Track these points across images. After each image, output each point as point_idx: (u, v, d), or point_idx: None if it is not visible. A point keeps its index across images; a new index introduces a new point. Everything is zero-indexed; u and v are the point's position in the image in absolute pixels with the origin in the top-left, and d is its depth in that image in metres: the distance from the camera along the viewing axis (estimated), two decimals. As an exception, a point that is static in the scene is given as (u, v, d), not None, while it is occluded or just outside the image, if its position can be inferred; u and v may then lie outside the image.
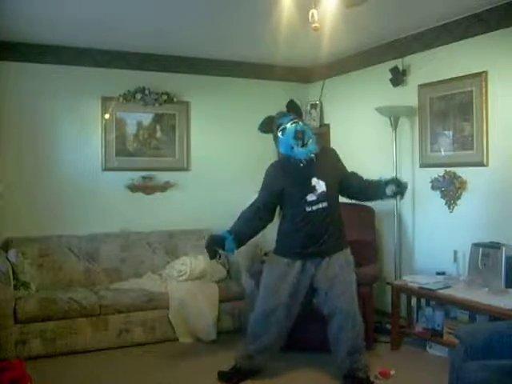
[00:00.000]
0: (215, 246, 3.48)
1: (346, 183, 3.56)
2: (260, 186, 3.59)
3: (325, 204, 3.39)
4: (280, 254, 3.53)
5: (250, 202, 3.56)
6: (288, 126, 3.38)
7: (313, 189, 3.38)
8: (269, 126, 3.52)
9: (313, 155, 3.37)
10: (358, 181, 3.59)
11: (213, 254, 3.50)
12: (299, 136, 3.31)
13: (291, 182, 3.43)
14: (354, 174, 3.62)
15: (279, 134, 3.41)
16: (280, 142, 3.42)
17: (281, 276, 3.45)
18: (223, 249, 3.46)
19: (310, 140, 3.36)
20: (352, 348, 3.40)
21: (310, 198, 3.38)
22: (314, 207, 3.38)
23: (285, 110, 3.64)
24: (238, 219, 3.52)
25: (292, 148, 3.34)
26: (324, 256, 3.44)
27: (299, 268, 3.44)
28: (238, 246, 3.49)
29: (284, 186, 3.44)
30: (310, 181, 3.38)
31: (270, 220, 3.53)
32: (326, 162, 3.49)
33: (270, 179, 3.53)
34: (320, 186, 3.38)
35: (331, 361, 3.55)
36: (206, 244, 3.51)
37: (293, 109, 3.59)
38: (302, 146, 3.32)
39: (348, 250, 3.56)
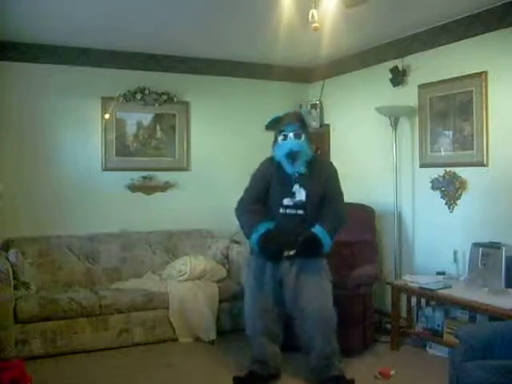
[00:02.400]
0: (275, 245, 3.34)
1: (325, 204, 3.48)
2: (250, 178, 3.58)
3: (300, 212, 3.39)
4: (254, 254, 3.53)
5: (239, 199, 3.55)
6: (290, 135, 3.39)
7: (292, 194, 3.39)
8: (274, 125, 3.53)
9: (302, 172, 3.39)
10: (325, 214, 3.45)
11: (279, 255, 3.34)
12: (291, 157, 3.36)
13: (276, 181, 3.45)
14: (330, 210, 3.45)
15: (279, 138, 3.45)
16: (277, 146, 3.47)
17: (257, 276, 3.47)
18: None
19: (301, 159, 3.38)
20: (324, 354, 3.38)
21: (287, 202, 3.39)
22: (288, 211, 3.39)
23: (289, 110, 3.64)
24: (248, 215, 3.43)
25: (282, 160, 3.40)
26: (294, 260, 3.39)
27: (270, 268, 3.43)
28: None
29: (271, 180, 3.46)
30: (292, 186, 3.40)
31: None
32: (317, 173, 3.45)
33: (262, 171, 3.54)
34: (300, 194, 3.39)
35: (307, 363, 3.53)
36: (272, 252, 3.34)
37: (300, 119, 3.53)
38: (292, 164, 3.37)
39: (324, 261, 3.49)
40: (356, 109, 5.23)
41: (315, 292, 3.37)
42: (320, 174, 3.47)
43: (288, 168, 3.40)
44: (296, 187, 3.39)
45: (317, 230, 3.34)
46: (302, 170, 3.40)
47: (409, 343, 4.21)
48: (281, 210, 3.40)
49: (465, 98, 4.10)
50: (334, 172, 3.56)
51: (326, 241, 3.35)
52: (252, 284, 3.52)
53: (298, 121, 3.47)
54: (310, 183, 3.41)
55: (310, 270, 3.40)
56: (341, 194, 3.55)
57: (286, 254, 3.32)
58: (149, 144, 5.23)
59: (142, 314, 4.28)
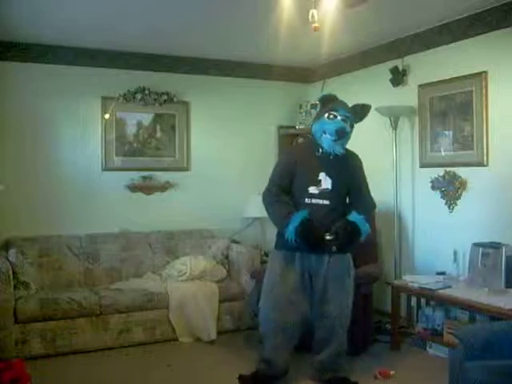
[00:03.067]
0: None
1: (350, 198, 3.46)
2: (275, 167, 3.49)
3: (326, 202, 3.30)
4: (279, 248, 3.42)
5: (265, 189, 3.43)
6: (339, 118, 3.29)
7: (318, 182, 3.30)
8: (327, 102, 3.40)
9: (334, 153, 3.31)
10: (352, 207, 3.40)
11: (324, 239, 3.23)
12: (340, 134, 3.25)
13: (302, 167, 3.36)
14: (360, 200, 3.44)
15: (325, 115, 3.32)
16: (319, 122, 3.34)
17: (282, 272, 3.36)
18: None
19: (343, 143, 3.32)
20: (335, 353, 3.38)
21: (312, 190, 3.30)
22: (314, 201, 3.29)
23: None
24: (279, 206, 3.32)
25: (323, 134, 3.29)
26: (323, 254, 3.32)
27: (299, 261, 3.34)
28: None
29: (297, 168, 3.36)
30: (318, 174, 3.31)
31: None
32: (343, 164, 3.37)
33: (287, 160, 3.46)
34: (326, 182, 3.30)
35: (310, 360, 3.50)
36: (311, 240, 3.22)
37: (354, 111, 3.42)
38: (335, 141, 3.26)
39: (349, 256, 3.47)
40: (356, 109, 5.22)
41: (340, 292, 3.36)
42: (347, 165, 3.40)
43: (327, 144, 3.28)
44: (322, 175, 3.31)
45: (354, 217, 3.27)
46: (340, 150, 3.29)
47: (409, 343, 4.22)
48: (306, 200, 3.30)
49: (465, 98, 4.10)
50: (361, 163, 3.50)
51: (365, 228, 3.28)
52: (275, 278, 3.37)
53: (351, 111, 3.38)
54: (337, 172, 3.34)
55: (339, 267, 3.36)
56: (367, 185, 3.51)
57: (326, 238, 3.23)
58: (149, 144, 5.23)
59: (141, 314, 4.28)
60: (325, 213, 3.30)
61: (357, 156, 3.53)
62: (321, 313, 3.38)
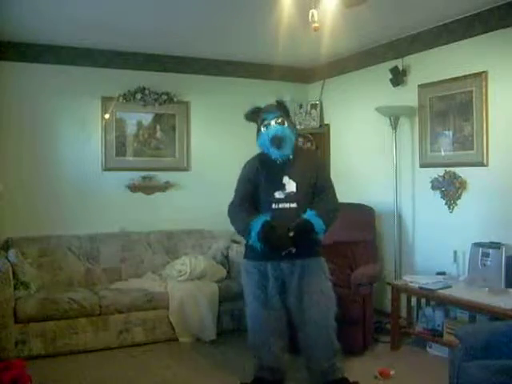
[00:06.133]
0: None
1: (316, 194, 3.40)
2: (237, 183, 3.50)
3: (293, 205, 3.29)
4: (251, 259, 3.40)
5: (229, 204, 3.47)
6: (272, 123, 3.33)
7: (282, 187, 3.31)
8: (254, 116, 3.47)
9: (290, 157, 3.33)
10: (316, 202, 3.35)
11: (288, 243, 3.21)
12: (276, 142, 3.28)
13: (265, 176, 3.37)
14: (324, 195, 3.39)
15: (262, 128, 3.38)
16: (261, 136, 3.39)
17: (259, 283, 3.34)
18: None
19: (287, 144, 3.31)
20: (327, 356, 3.33)
21: (278, 195, 3.30)
22: (281, 205, 3.29)
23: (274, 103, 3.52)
24: (241, 215, 3.34)
25: (268, 148, 3.33)
26: (295, 259, 3.28)
27: (272, 270, 3.32)
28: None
29: (259, 178, 3.38)
30: (282, 178, 3.32)
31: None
32: (305, 164, 3.38)
33: (248, 171, 3.47)
34: (290, 185, 3.31)
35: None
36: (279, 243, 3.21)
37: (281, 107, 3.47)
38: (278, 149, 3.29)
39: (322, 259, 3.41)
40: (356, 109, 5.23)
41: (317, 295, 3.30)
42: (308, 164, 3.40)
43: (274, 154, 3.31)
44: (286, 179, 3.32)
45: (307, 214, 3.23)
46: (289, 154, 3.32)
47: (409, 343, 4.22)
48: (273, 206, 3.30)
49: (465, 97, 4.10)
50: (322, 161, 3.51)
51: (318, 223, 3.20)
52: (255, 291, 3.37)
53: (278, 109, 3.41)
54: (299, 174, 3.34)
55: (311, 271, 3.33)
56: (331, 183, 3.47)
57: (290, 235, 3.19)
58: (149, 144, 5.23)
59: (141, 314, 4.28)
60: (293, 216, 3.27)
61: (316, 153, 3.53)
62: (302, 320, 3.33)
